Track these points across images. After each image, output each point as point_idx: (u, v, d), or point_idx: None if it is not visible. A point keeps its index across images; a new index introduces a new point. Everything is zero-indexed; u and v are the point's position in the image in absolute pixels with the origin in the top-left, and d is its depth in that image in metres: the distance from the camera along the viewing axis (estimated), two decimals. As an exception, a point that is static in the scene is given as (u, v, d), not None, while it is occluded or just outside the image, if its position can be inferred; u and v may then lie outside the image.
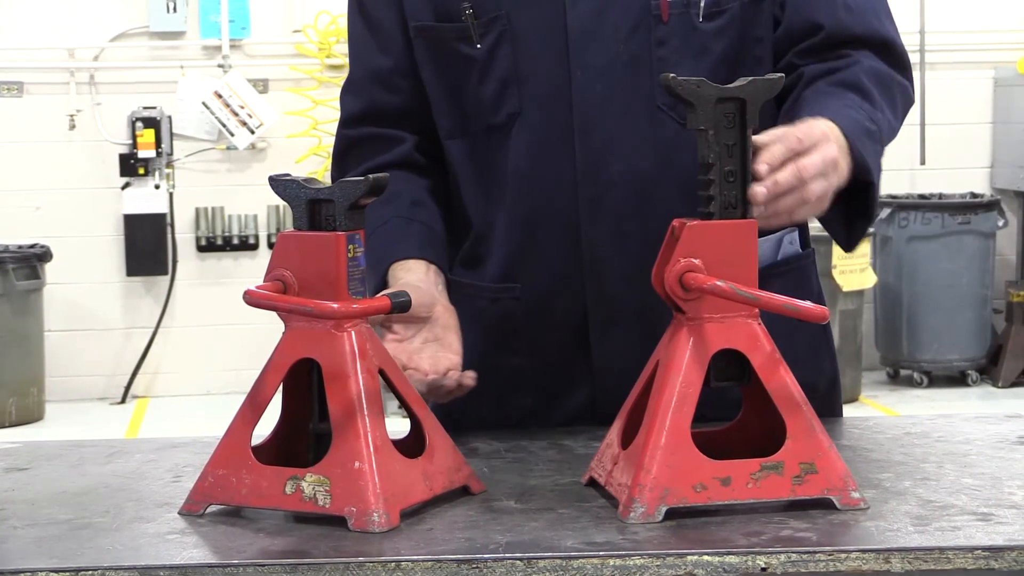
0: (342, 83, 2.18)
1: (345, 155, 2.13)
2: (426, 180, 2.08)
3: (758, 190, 1.59)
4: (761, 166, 1.61)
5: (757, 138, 1.63)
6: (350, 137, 2.13)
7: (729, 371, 1.62)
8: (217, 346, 7.73)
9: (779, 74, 1.62)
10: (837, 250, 7.13)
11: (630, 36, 1.94)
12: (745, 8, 1.96)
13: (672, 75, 1.59)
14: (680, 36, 1.95)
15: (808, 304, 1.56)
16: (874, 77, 1.93)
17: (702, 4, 1.95)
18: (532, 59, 1.97)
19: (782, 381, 1.59)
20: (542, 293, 2.01)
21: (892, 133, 1.93)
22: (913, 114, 8.72)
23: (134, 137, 7.54)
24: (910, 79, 2.01)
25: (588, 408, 2.01)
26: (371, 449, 1.54)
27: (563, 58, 1.95)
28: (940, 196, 7.71)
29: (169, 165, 7.63)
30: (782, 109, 1.93)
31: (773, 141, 1.65)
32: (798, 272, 2.07)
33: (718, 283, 1.56)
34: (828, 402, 2.08)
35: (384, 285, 1.94)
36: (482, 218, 2.04)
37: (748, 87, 1.59)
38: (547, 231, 1.99)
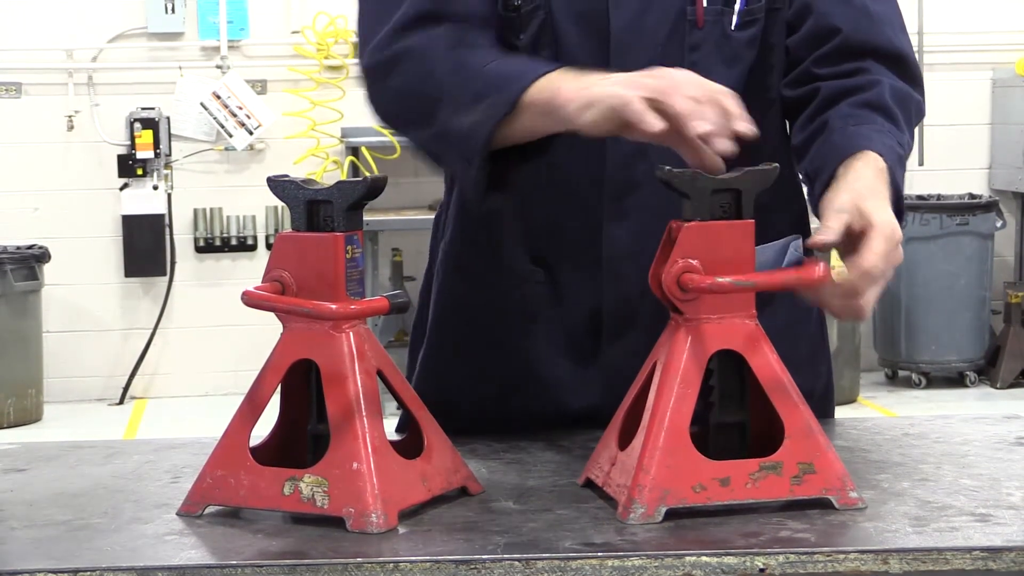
0: (353, 43, 2.05)
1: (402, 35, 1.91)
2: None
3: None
4: (874, 262, 1.68)
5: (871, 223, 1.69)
6: (406, 38, 1.90)
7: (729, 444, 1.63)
8: (215, 347, 7.73)
9: (774, 164, 1.62)
10: (835, 251, 7.12)
11: (667, 40, 1.95)
12: (768, 16, 1.97)
13: (667, 168, 1.60)
14: (713, 43, 1.95)
15: (809, 272, 1.58)
16: (897, 97, 1.93)
17: (736, 13, 1.95)
18: (572, 55, 1.95)
19: (780, 381, 1.59)
20: (561, 288, 2.00)
21: (910, 152, 1.95)
22: (911, 115, 8.46)
23: (132, 138, 7.54)
24: (922, 93, 2.02)
25: (595, 411, 2.00)
26: (369, 450, 1.54)
27: (603, 57, 1.94)
28: (938, 197, 7.70)
29: (167, 166, 7.63)
30: (799, 123, 1.94)
31: (878, 236, 1.69)
32: None
33: (718, 279, 1.56)
34: (822, 405, 2.08)
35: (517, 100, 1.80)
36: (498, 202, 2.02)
37: (744, 178, 1.60)
38: (569, 227, 1.99)
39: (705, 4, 1.95)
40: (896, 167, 1.83)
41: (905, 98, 1.95)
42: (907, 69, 1.99)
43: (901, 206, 1.81)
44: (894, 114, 1.91)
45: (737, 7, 1.95)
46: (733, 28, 1.96)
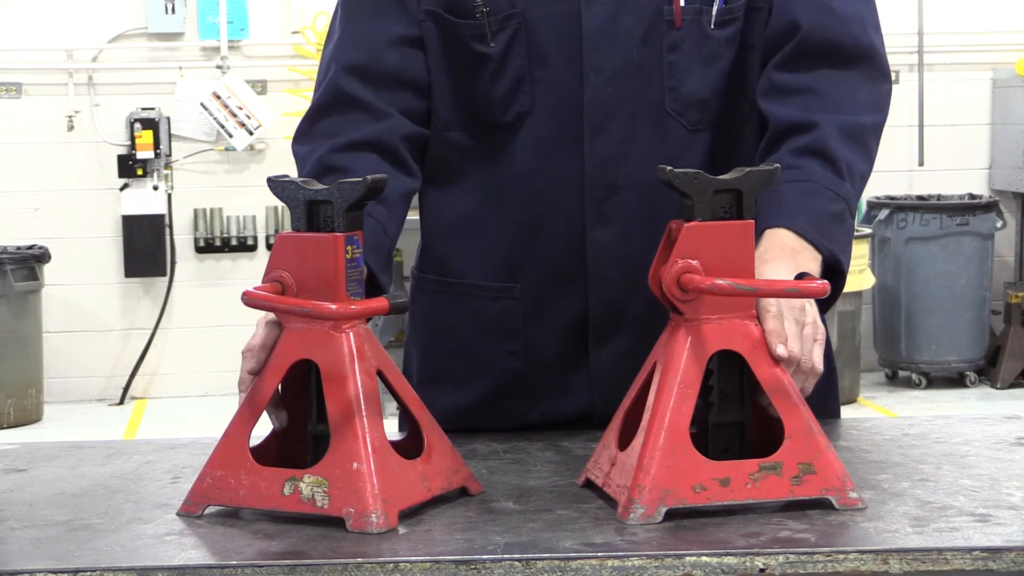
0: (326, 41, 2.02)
1: (323, 113, 1.98)
2: (400, 174, 1.97)
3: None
4: (779, 351, 1.62)
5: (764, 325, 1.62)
6: (340, 89, 1.98)
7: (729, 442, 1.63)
8: (215, 347, 7.73)
9: (776, 165, 1.62)
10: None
11: (643, 40, 1.94)
12: (748, 15, 1.97)
13: (669, 168, 1.59)
14: (692, 42, 1.95)
15: (809, 283, 1.58)
16: (842, 136, 1.90)
17: (714, 11, 1.95)
18: (545, 59, 1.95)
19: (779, 381, 1.59)
20: (543, 295, 2.00)
21: (864, 182, 1.93)
22: (911, 115, 8.67)
23: (132, 138, 7.53)
24: (889, 85, 1.99)
25: (585, 415, 2.00)
26: (369, 450, 1.54)
27: (576, 60, 1.94)
28: (938, 197, 7.70)
29: (167, 166, 7.63)
30: (759, 153, 1.93)
31: (778, 327, 1.64)
32: None
33: (717, 281, 1.56)
34: (823, 402, 2.08)
35: None
36: (470, 214, 2.03)
37: (745, 179, 1.60)
38: (551, 233, 1.98)
39: (683, 3, 1.94)
40: (823, 229, 1.82)
41: (857, 131, 1.92)
42: (872, 64, 1.97)
43: (841, 264, 1.81)
44: (833, 156, 1.88)
45: (716, 5, 1.95)
46: (712, 27, 1.95)
